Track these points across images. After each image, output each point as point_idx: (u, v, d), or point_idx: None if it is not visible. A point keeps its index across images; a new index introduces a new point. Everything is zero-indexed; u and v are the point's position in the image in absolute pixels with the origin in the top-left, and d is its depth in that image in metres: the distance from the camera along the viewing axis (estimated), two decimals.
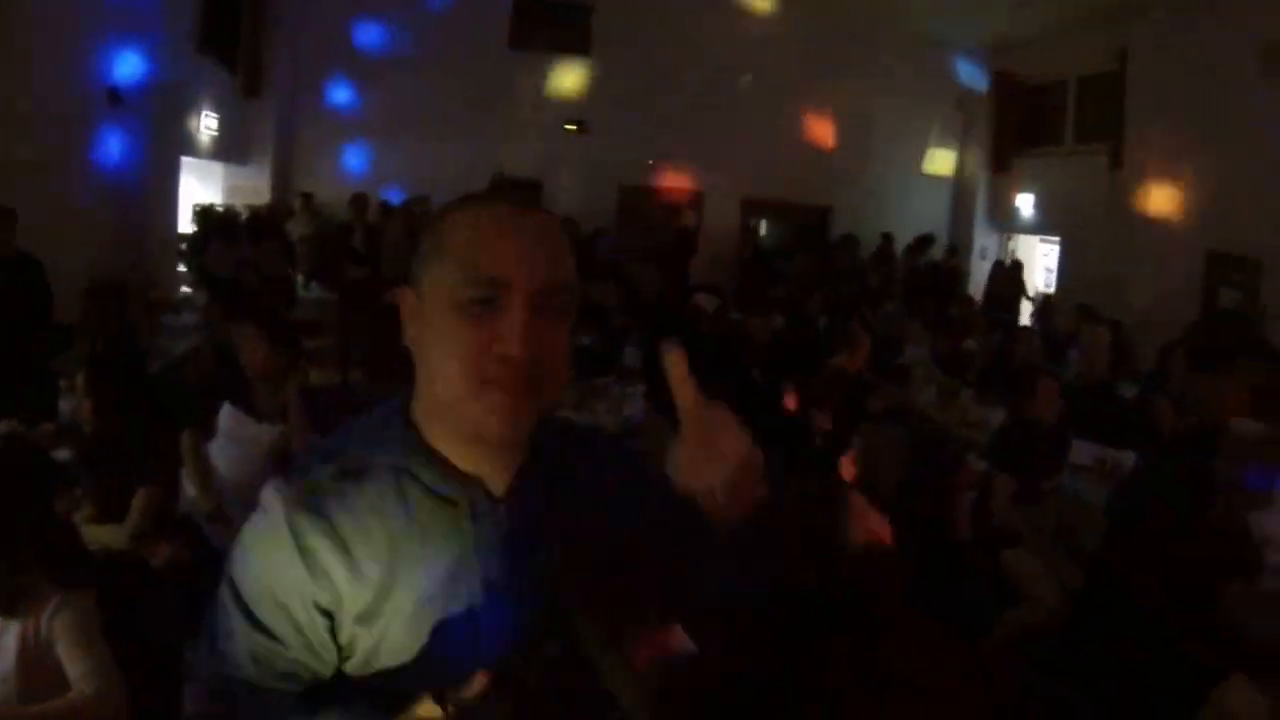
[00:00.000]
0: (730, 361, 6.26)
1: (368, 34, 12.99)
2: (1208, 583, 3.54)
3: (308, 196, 11.86)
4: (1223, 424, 4.19)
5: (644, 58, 13.04)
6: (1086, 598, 4.06)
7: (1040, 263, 13.89)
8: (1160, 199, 10.81)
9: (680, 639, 1.34)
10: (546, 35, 13.32)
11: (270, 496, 1.13)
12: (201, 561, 3.52)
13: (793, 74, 13.46)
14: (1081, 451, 5.12)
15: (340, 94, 13.13)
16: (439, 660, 1.12)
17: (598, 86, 13.43)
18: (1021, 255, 13.95)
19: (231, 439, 4.16)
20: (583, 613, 1.16)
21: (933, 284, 11.69)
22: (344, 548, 1.10)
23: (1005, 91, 13.84)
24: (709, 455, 1.08)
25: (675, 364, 1.12)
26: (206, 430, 4.13)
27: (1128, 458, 5.08)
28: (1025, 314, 11.92)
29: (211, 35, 10.81)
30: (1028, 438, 4.75)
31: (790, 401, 5.96)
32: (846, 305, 9.06)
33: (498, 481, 1.18)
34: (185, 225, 10.71)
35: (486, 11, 13.09)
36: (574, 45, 13.41)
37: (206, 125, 11.07)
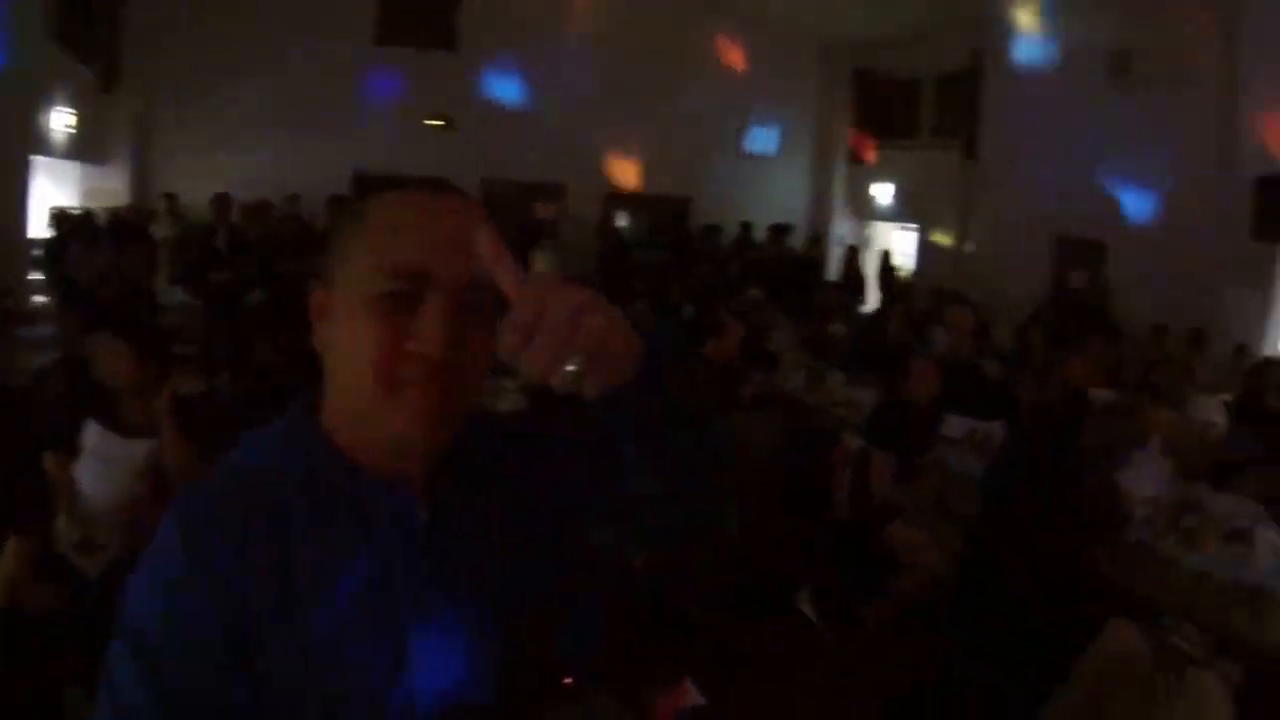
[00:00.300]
0: None
1: (229, 28, 12.45)
2: (1082, 542, 3.71)
3: (171, 198, 11.30)
4: (1081, 393, 4.42)
5: (510, 52, 12.96)
6: (967, 567, 4.22)
7: (896, 249, 14.35)
8: (1011, 189, 11.55)
9: (690, 694, 1.30)
10: (412, 30, 13.08)
11: (169, 524, 1.01)
12: (78, 597, 3.26)
13: (655, 66, 13.56)
14: (953, 426, 5.33)
15: (202, 90, 12.51)
16: (364, 688, 1.02)
17: (464, 82, 13.27)
18: (879, 242, 14.54)
19: (98, 458, 3.92)
20: (602, 692, 1.08)
21: (794, 271, 11.95)
22: (255, 569, 0.99)
23: (865, 87, 14.39)
24: (549, 328, 0.86)
25: (487, 242, 0.93)
26: (70, 451, 3.91)
27: (996, 429, 5.35)
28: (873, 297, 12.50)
29: (64, 25, 10.08)
30: (903, 416, 4.92)
31: None
32: (708, 294, 9.18)
33: (418, 488, 1.09)
34: (39, 229, 10.03)
35: (351, 6, 12.80)
36: (440, 40, 13.22)
37: (60, 122, 10.43)
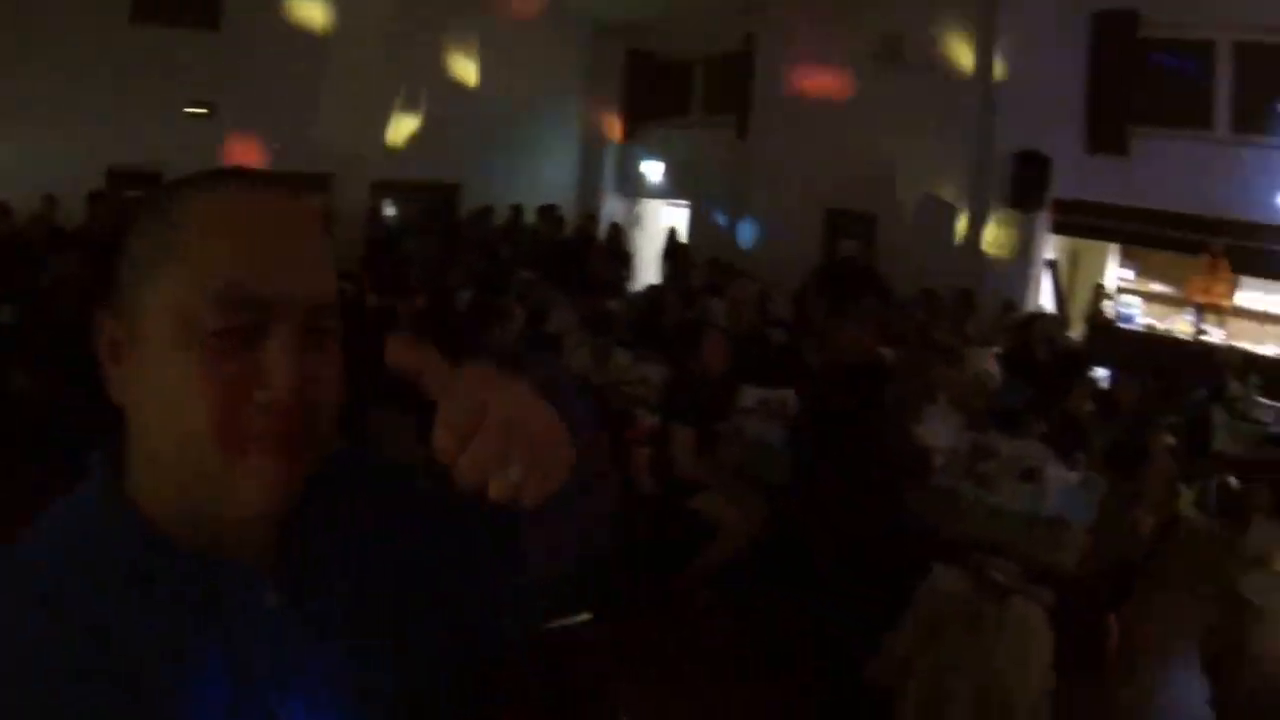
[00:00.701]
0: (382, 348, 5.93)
1: None
2: (897, 492, 3.86)
3: None
4: (874, 353, 4.58)
5: (275, 34, 12.07)
6: (780, 529, 4.38)
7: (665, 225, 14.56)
8: (784, 165, 11.96)
9: None
10: (170, 8, 11.87)
11: None
12: None
13: (426, 50, 13.07)
14: (746, 395, 5.40)
15: None
16: None
17: (226, 66, 12.25)
18: (650, 219, 14.75)
19: None
20: None
21: (565, 251, 11.91)
22: (64, 701, 0.74)
23: (638, 69, 14.47)
24: (488, 431, 0.73)
25: (398, 351, 0.78)
26: None
27: (788, 396, 5.45)
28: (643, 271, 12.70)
29: None
30: (697, 389, 4.96)
31: None
32: (483, 280, 8.99)
33: (265, 563, 0.87)
34: None
35: None
36: (201, 19, 12.13)
37: None
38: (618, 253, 12.41)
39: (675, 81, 14.07)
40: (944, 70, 10.50)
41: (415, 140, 13.34)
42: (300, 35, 12.24)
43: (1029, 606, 3.44)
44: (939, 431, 5.11)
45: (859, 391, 4.13)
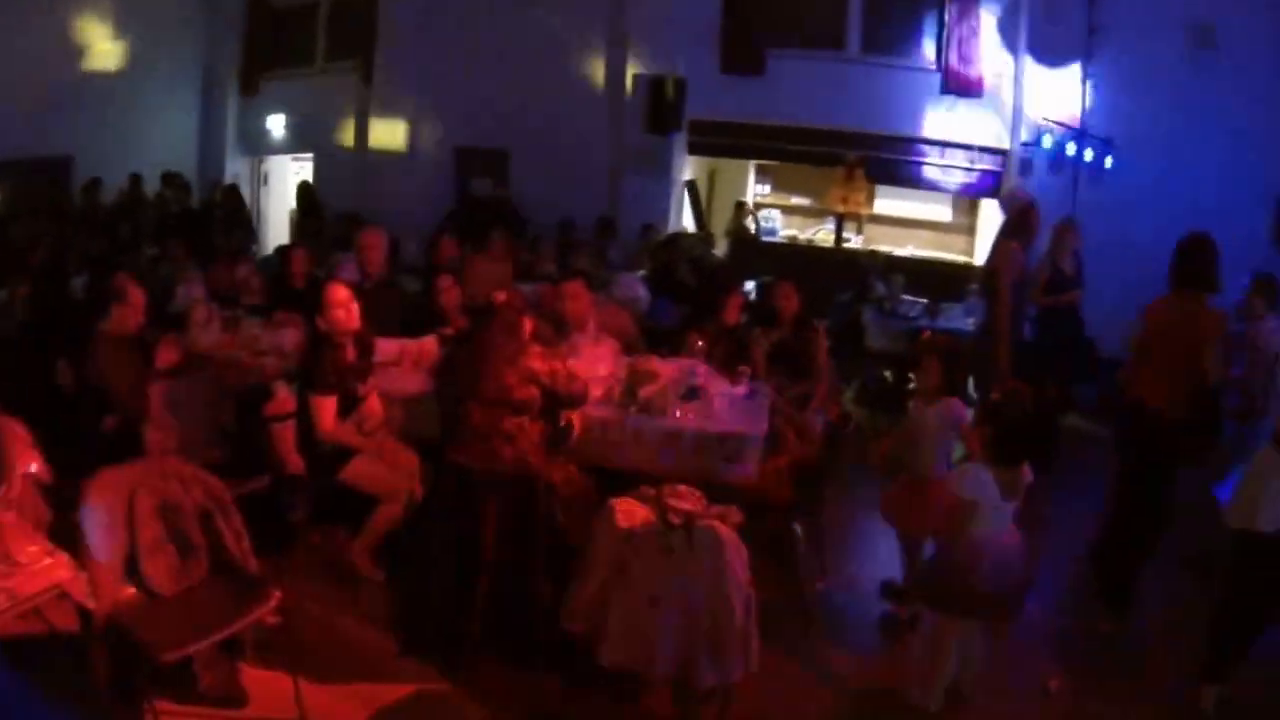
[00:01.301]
0: None
1: None
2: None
3: None
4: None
5: None
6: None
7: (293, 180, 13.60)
8: (411, 108, 11.75)
9: None
10: None
11: None
12: None
13: (11, 11, 11.14)
14: (386, 348, 4.92)
15: None
16: None
17: None
18: (278, 176, 13.89)
19: None
20: None
21: (191, 220, 10.74)
22: None
23: (257, 16, 13.35)
24: None
25: None
26: None
27: (429, 343, 5.23)
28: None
29: None
30: (331, 352, 4.44)
31: (64, 377, 4.96)
32: (98, 262, 7.90)
33: None
34: None
35: None
36: None
37: None
38: (235, 217, 11.36)
39: (298, 29, 13.23)
40: (572, 3, 10.56)
41: (14, 112, 11.37)
42: None
43: (717, 528, 3.31)
44: (594, 360, 4.91)
45: (495, 328, 4.04)
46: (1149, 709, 3.95)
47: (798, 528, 4.35)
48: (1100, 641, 4.48)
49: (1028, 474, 3.56)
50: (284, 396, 4.92)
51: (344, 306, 4.42)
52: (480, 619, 3.84)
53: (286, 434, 4.65)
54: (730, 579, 3.28)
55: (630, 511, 3.44)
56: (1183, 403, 4.35)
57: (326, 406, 4.34)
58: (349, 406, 4.44)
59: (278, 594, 3.30)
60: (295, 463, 4.57)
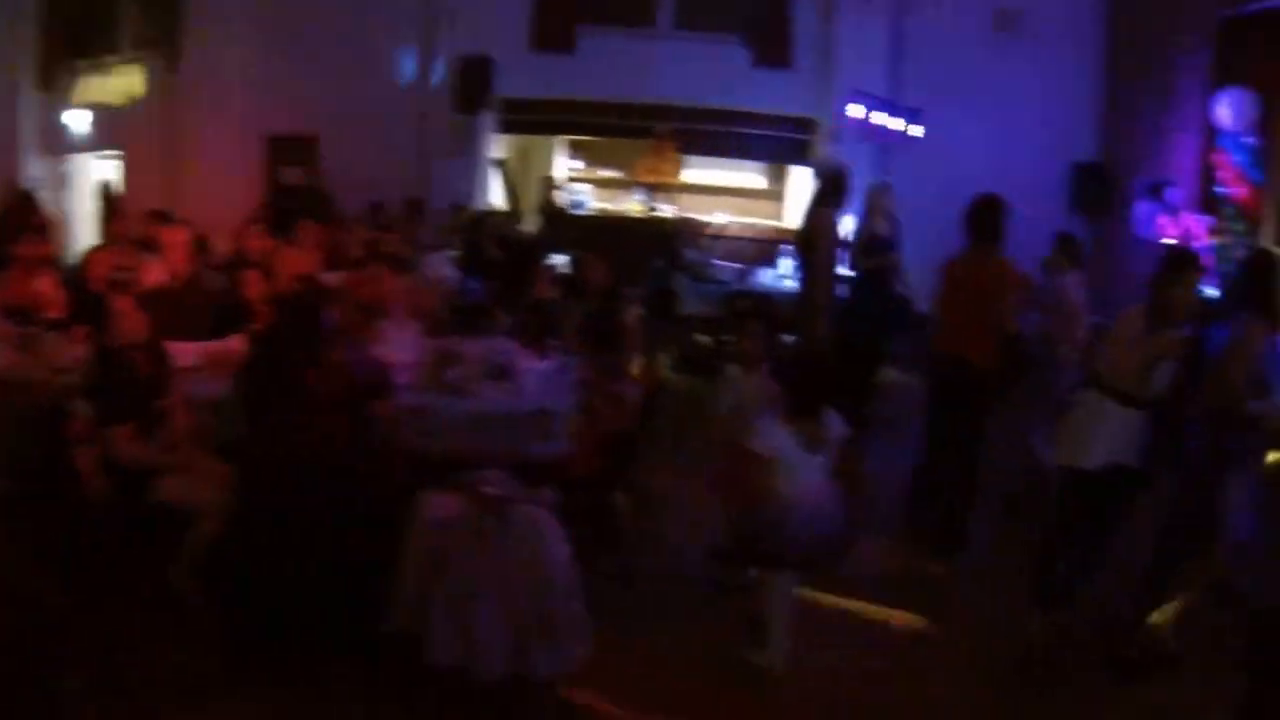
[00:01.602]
0: None
1: None
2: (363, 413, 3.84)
3: None
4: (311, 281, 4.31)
5: None
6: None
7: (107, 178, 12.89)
8: (218, 96, 11.22)
9: None
10: None
11: None
12: None
13: None
14: (186, 354, 4.74)
15: None
16: None
17: None
18: (81, 177, 13.02)
19: None
20: None
21: None
22: None
23: (54, 4, 12.49)
24: None
25: None
26: None
27: (232, 343, 4.95)
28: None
29: None
30: (122, 365, 4.26)
31: None
32: None
33: None
34: None
35: None
36: None
37: None
38: (29, 223, 10.75)
39: (99, 18, 12.47)
40: None
41: None
42: None
43: (532, 510, 3.32)
44: (399, 346, 4.76)
45: (295, 325, 3.96)
46: (984, 640, 4.21)
47: (619, 499, 4.38)
48: (934, 583, 4.71)
49: (837, 426, 3.68)
50: (82, 417, 4.57)
51: (128, 316, 4.24)
52: (310, 625, 3.66)
53: (89, 457, 4.24)
54: (550, 561, 3.26)
55: (441, 503, 3.39)
56: (990, 353, 4.70)
57: (120, 435, 4.12)
58: (152, 423, 4.23)
59: None
60: (99, 487, 4.20)
